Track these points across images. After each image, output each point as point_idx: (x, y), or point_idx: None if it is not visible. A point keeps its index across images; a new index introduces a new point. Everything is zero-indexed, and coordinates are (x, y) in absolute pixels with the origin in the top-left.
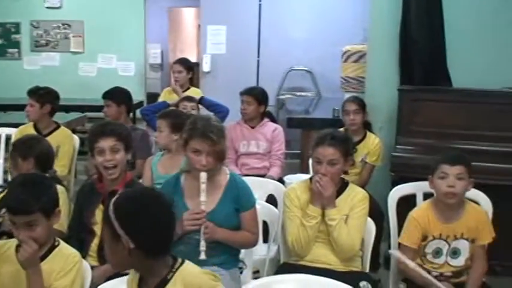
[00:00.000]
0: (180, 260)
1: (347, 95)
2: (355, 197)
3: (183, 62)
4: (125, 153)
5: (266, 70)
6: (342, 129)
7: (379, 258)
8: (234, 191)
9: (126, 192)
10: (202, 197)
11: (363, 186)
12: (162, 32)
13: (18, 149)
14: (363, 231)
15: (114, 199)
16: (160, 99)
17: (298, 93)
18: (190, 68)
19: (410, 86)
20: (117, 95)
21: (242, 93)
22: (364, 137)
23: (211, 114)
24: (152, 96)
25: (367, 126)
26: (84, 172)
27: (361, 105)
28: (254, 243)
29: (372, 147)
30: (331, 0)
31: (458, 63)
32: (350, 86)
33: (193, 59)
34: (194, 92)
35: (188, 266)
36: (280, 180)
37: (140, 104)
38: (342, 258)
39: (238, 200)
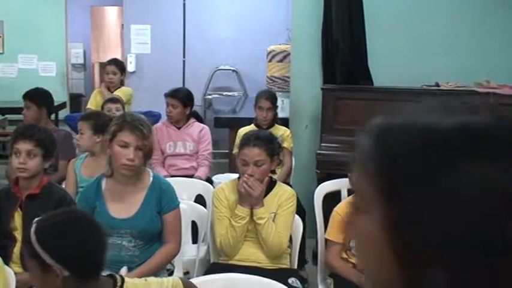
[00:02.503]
0: (119, 278)
1: None
2: (283, 195)
3: (118, 63)
4: (43, 161)
5: (192, 70)
6: (251, 125)
7: (305, 255)
8: (156, 192)
9: (46, 220)
10: None
11: (289, 172)
12: (85, 31)
13: None
14: (290, 229)
15: (33, 229)
16: (90, 102)
17: (224, 93)
18: (123, 69)
19: (333, 85)
20: (39, 97)
21: (167, 96)
22: (272, 126)
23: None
24: (75, 97)
25: (275, 120)
26: (5, 176)
27: (274, 102)
28: (176, 253)
29: (281, 133)
30: (255, 0)
31: (379, 62)
32: (275, 85)
33: None
34: (124, 91)
35: (130, 281)
36: (209, 180)
37: (63, 105)
38: (270, 256)
39: (160, 201)
